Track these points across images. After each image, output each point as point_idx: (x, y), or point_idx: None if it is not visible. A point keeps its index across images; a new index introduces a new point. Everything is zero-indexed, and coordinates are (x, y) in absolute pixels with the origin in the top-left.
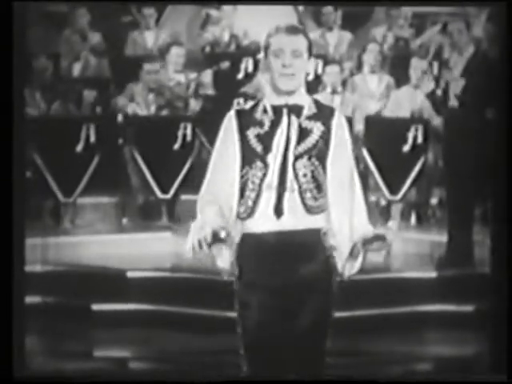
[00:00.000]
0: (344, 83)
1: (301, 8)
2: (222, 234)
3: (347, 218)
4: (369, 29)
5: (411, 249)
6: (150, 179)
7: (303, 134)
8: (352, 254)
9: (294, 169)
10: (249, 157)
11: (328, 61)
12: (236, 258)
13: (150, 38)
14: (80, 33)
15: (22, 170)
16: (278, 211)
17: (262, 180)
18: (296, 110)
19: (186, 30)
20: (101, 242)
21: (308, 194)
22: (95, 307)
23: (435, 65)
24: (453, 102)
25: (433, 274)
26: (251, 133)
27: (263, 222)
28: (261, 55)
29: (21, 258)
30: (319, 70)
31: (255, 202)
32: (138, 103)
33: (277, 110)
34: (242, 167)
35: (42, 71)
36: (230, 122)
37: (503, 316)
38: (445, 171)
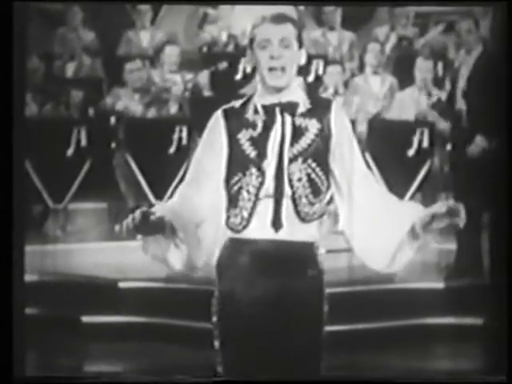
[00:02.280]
0: (346, 84)
1: (301, 7)
2: (152, 217)
3: (378, 212)
4: (371, 28)
5: (417, 257)
6: (143, 184)
7: (297, 133)
8: (404, 243)
9: (288, 173)
10: (242, 163)
11: (329, 61)
12: (218, 262)
13: (145, 38)
14: (74, 32)
15: (22, 177)
16: (277, 224)
17: (258, 189)
18: (290, 107)
19: (183, 29)
20: (92, 249)
21: (303, 200)
22: (85, 319)
23: (440, 65)
24: (460, 105)
25: (440, 285)
26: (243, 136)
27: (259, 233)
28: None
29: (18, 268)
30: (320, 71)
31: (251, 214)
32: (126, 105)
33: (269, 110)
34: (233, 174)
35: (34, 71)
36: (217, 122)
37: (504, 318)
38: (451, 176)
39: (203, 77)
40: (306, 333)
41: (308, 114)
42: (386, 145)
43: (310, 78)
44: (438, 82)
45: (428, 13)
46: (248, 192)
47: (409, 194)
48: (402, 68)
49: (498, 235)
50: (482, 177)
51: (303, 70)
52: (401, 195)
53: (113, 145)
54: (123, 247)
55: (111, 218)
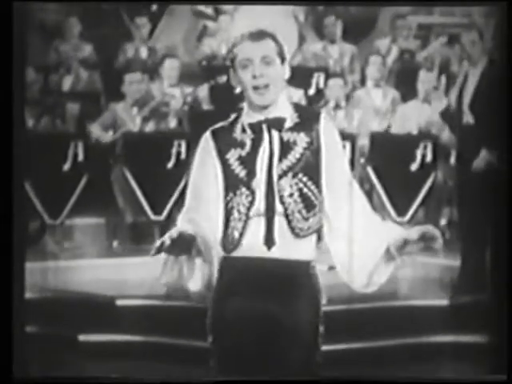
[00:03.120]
0: (347, 97)
1: (302, 19)
2: (190, 231)
3: (358, 230)
4: (372, 41)
5: (420, 273)
6: (141, 200)
7: (285, 148)
8: (380, 264)
9: (279, 190)
10: (232, 183)
11: (330, 74)
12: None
13: (144, 51)
14: (71, 44)
15: (21, 194)
16: (269, 242)
17: (249, 208)
18: (277, 123)
19: (183, 42)
20: (89, 266)
21: (296, 216)
22: (82, 338)
23: (443, 78)
24: (467, 118)
25: (444, 302)
26: (232, 156)
27: (251, 252)
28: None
29: (19, 285)
30: (321, 84)
31: (242, 234)
32: (124, 121)
33: (256, 128)
34: (225, 194)
35: (30, 84)
36: (206, 144)
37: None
38: (456, 190)
39: (203, 90)
40: (301, 354)
41: (296, 127)
42: (389, 159)
43: (311, 91)
44: (441, 95)
45: (430, 24)
46: (239, 212)
47: (412, 208)
48: (404, 81)
49: (501, 250)
50: (487, 191)
51: (304, 83)
52: (404, 210)
53: (110, 159)
54: (121, 264)
55: (109, 234)
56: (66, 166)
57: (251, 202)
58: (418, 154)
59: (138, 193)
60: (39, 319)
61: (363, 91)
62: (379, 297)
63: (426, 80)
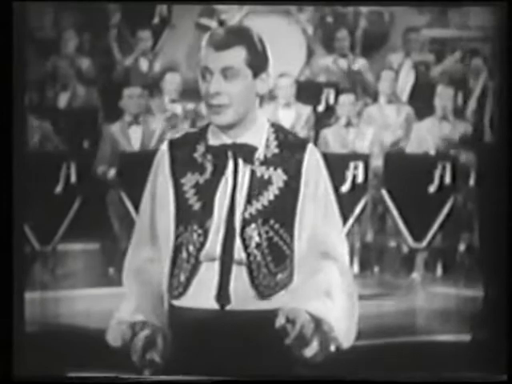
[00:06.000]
0: (359, 114)
1: (310, 32)
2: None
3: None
4: (384, 55)
5: (438, 305)
6: None
7: (257, 186)
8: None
9: (244, 238)
10: (184, 215)
11: (341, 90)
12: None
13: (144, 65)
14: (68, 59)
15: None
16: (223, 298)
17: (199, 250)
18: (246, 152)
19: (185, 56)
20: (82, 296)
21: (263, 271)
22: (72, 375)
23: (460, 95)
24: (487, 136)
25: (465, 337)
26: (188, 181)
27: (199, 302)
28: None
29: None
30: (331, 100)
31: (189, 279)
32: (119, 142)
33: (219, 153)
34: (176, 226)
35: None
36: (161, 160)
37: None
38: (476, 214)
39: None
40: None
41: (273, 160)
42: (405, 180)
43: (321, 108)
44: (459, 112)
45: (444, 38)
46: (187, 251)
47: (430, 233)
48: (418, 97)
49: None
50: (509, 215)
51: (313, 100)
52: (421, 235)
53: (106, 181)
54: (117, 293)
55: (104, 261)
56: (58, 189)
57: (202, 244)
58: (436, 175)
59: (135, 216)
60: (25, 355)
61: (376, 108)
62: (393, 331)
63: (443, 96)
